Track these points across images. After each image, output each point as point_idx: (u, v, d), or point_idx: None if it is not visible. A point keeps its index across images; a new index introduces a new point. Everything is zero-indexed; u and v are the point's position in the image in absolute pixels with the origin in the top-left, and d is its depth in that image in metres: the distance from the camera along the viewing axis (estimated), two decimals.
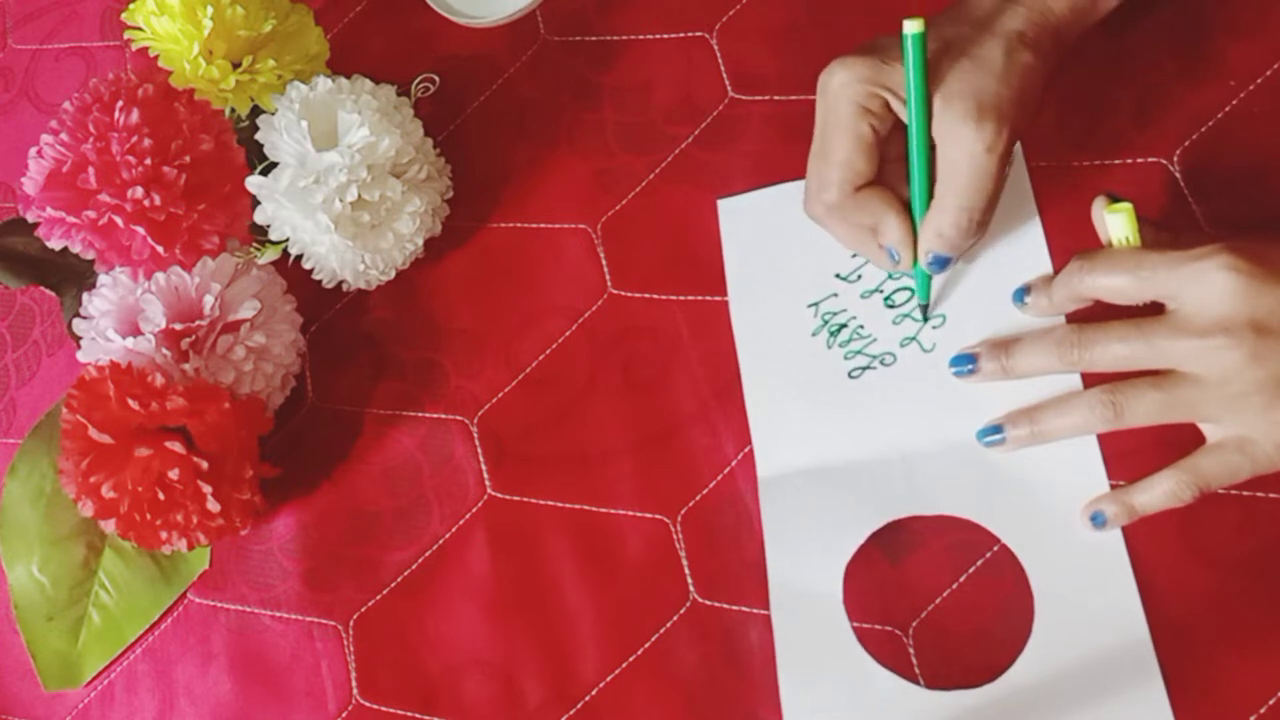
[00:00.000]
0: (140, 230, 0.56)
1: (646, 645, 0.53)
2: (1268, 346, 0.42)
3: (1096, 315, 0.47)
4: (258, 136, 0.59)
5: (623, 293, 0.60)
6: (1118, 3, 0.49)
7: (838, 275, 0.56)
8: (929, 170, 0.48)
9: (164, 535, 0.57)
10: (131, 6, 0.60)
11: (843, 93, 0.48)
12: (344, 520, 0.61)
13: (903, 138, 0.49)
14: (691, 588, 0.54)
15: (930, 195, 0.49)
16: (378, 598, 0.59)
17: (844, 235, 0.52)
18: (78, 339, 0.60)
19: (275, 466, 0.61)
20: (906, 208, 0.50)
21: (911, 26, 0.45)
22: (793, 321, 0.56)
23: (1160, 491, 0.46)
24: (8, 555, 0.65)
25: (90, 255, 0.57)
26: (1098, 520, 0.47)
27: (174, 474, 0.55)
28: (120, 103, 0.57)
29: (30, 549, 0.65)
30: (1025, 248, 0.53)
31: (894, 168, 0.51)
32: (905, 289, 0.55)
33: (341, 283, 0.62)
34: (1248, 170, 0.51)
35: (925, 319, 0.54)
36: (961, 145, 0.46)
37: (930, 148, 0.48)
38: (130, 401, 0.55)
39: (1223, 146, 0.52)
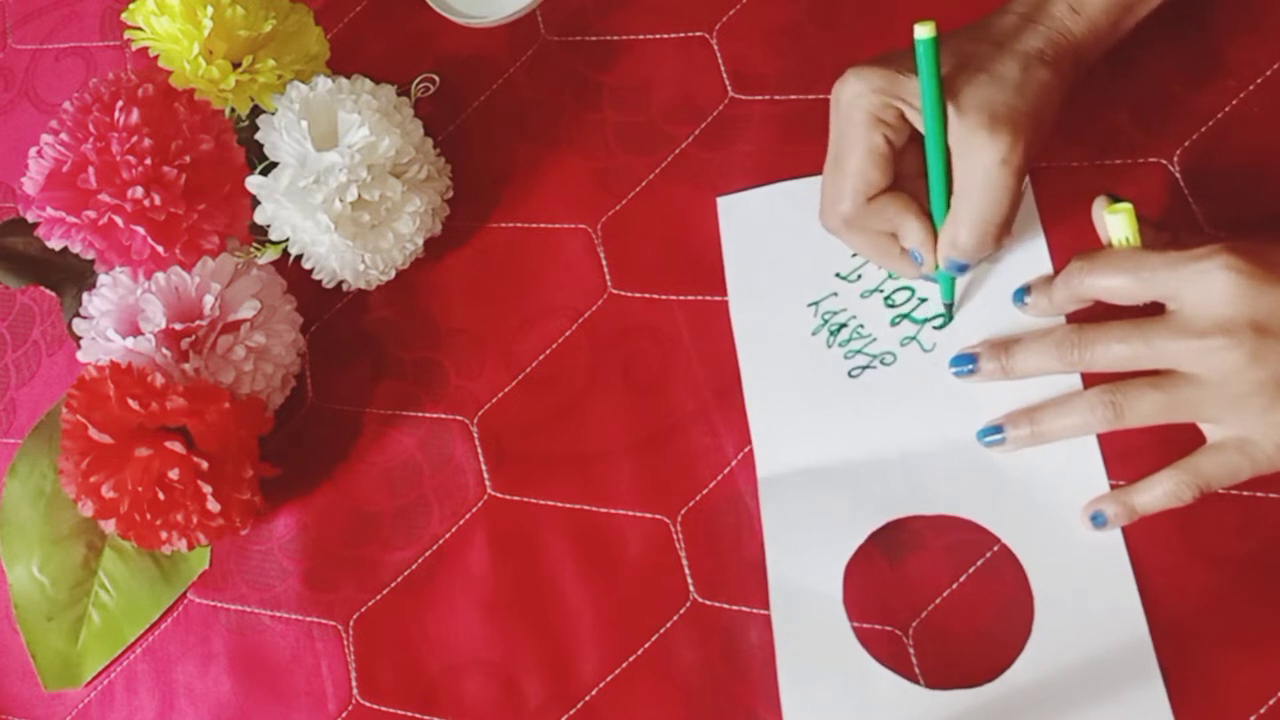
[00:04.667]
0: (140, 230, 0.56)
1: (646, 645, 0.53)
2: (1268, 347, 0.42)
3: (1096, 315, 0.47)
4: (258, 136, 0.59)
5: (623, 293, 0.60)
6: (1135, 25, 0.49)
7: (838, 274, 0.56)
8: (946, 175, 0.48)
9: (164, 535, 0.57)
10: (131, 6, 0.60)
11: (856, 103, 0.48)
12: (344, 520, 0.61)
13: (919, 153, 0.48)
14: (691, 588, 0.54)
15: (948, 204, 0.48)
16: (378, 598, 0.59)
17: (862, 245, 0.52)
18: (78, 339, 0.60)
19: (275, 466, 0.60)
20: (925, 210, 0.50)
21: (922, 31, 0.44)
22: (793, 321, 0.56)
23: (1160, 492, 0.46)
24: (8, 555, 0.65)
25: (90, 255, 0.57)
26: (1098, 520, 0.47)
27: (174, 474, 0.55)
28: (120, 103, 0.57)
29: (30, 549, 0.65)
30: (1025, 248, 0.53)
31: (912, 184, 0.50)
32: (905, 288, 0.55)
33: (341, 283, 0.62)
34: (1248, 170, 0.51)
35: (950, 318, 0.53)
36: (975, 156, 0.46)
37: (948, 158, 0.47)
38: (130, 401, 0.55)
39: (1223, 146, 0.52)
